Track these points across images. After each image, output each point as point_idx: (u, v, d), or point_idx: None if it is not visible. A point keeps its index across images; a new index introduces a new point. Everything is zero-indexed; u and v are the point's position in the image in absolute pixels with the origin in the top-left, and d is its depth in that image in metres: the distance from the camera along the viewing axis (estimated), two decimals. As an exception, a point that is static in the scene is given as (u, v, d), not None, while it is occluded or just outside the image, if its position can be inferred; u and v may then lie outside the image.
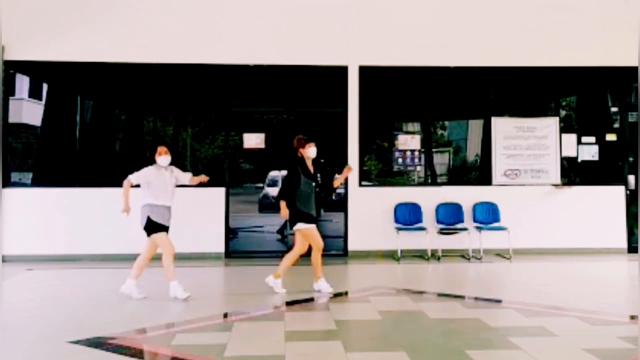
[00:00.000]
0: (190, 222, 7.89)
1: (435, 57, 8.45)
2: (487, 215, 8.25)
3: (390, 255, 8.07)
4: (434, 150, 8.94)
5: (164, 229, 5.66)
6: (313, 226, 5.90)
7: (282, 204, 5.87)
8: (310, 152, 5.97)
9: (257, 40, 8.29)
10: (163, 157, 5.66)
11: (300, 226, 5.84)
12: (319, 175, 6.08)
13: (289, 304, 5.40)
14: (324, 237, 9.06)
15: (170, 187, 5.70)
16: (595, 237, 8.41)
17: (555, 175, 8.56)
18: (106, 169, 8.38)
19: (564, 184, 8.59)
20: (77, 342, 4.14)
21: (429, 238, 7.96)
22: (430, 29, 8.48)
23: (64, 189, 8.06)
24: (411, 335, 4.40)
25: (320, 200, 6.17)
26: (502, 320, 4.90)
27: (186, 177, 5.88)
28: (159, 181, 5.60)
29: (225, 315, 5.09)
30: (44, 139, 8.62)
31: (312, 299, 5.61)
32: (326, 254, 8.46)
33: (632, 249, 8.41)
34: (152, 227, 5.56)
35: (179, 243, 7.88)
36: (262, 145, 8.34)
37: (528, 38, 8.53)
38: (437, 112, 9.07)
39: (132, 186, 5.60)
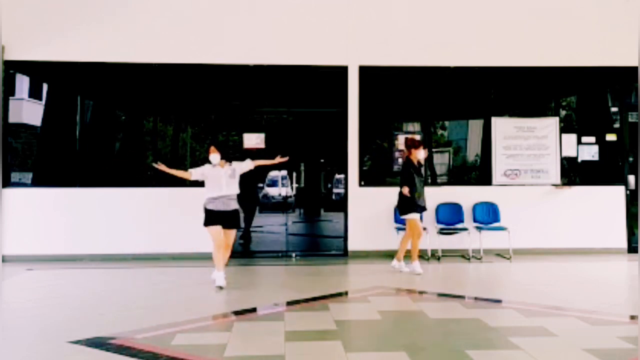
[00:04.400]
0: (191, 222, 7.88)
1: (435, 57, 8.46)
2: (487, 215, 8.25)
3: (391, 255, 8.06)
4: (434, 150, 8.94)
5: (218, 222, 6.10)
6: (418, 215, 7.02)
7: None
8: (419, 154, 7.03)
9: (257, 40, 8.30)
10: (212, 155, 6.19)
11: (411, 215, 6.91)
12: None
13: (289, 303, 5.40)
14: (324, 237, 9.13)
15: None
16: (595, 237, 8.41)
17: (555, 175, 8.56)
18: (106, 169, 8.37)
19: (564, 184, 8.59)
20: (77, 342, 4.14)
21: (429, 238, 7.96)
22: (430, 29, 8.48)
23: (63, 189, 8.07)
24: (411, 335, 4.40)
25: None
26: (502, 320, 4.89)
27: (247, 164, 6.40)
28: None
29: (225, 315, 5.09)
30: (44, 139, 8.62)
31: (313, 299, 5.59)
32: (326, 254, 8.51)
33: (632, 249, 8.42)
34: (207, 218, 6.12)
35: (180, 243, 7.97)
36: (262, 145, 8.34)
37: (528, 38, 8.53)
38: (437, 112, 9.07)
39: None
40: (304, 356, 3.85)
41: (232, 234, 6.26)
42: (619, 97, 8.95)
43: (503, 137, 8.59)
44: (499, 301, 5.74)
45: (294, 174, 8.68)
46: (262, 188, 9.20)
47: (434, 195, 8.29)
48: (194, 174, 6.25)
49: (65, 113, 8.56)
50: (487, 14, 8.56)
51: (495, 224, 8.17)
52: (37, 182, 8.31)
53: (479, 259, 7.89)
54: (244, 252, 8.50)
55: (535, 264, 7.67)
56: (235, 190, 6.21)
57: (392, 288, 6.12)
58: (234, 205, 6.18)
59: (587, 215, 8.43)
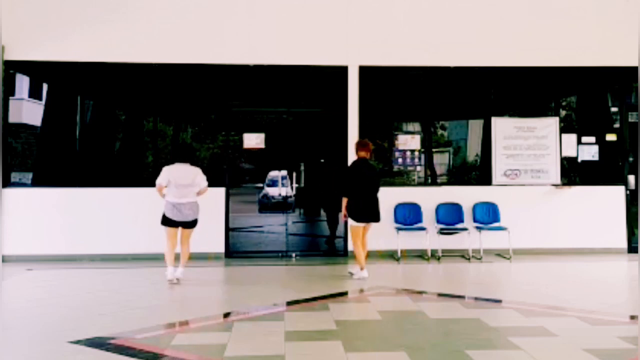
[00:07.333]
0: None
1: (435, 57, 8.46)
2: (487, 215, 8.25)
3: (390, 255, 8.07)
4: (434, 150, 8.94)
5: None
6: None
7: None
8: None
9: (257, 40, 8.30)
10: None
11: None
12: None
13: (289, 304, 5.40)
14: (324, 237, 9.12)
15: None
16: (595, 237, 8.41)
17: (555, 175, 8.56)
18: (106, 169, 8.37)
19: (564, 184, 8.59)
20: (77, 342, 4.15)
21: (429, 238, 7.96)
22: (430, 29, 8.48)
23: (64, 189, 8.06)
24: (411, 335, 4.40)
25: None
26: (502, 320, 4.90)
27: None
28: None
29: (225, 315, 5.09)
30: (44, 139, 8.62)
31: (313, 299, 5.60)
32: (326, 254, 8.50)
33: (632, 249, 8.41)
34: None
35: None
36: (262, 145, 8.35)
37: (528, 38, 8.53)
38: (437, 112, 9.07)
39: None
40: (304, 356, 3.85)
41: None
42: (619, 97, 8.95)
43: (503, 137, 8.59)
44: (499, 301, 5.74)
45: (294, 174, 8.68)
46: (262, 188, 9.20)
47: (434, 195, 8.31)
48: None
49: (65, 113, 8.56)
50: (487, 14, 8.55)
51: (495, 224, 8.17)
52: (37, 182, 8.31)
53: (479, 259, 7.89)
54: (243, 253, 8.49)
55: (535, 264, 7.67)
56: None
57: (392, 288, 6.12)
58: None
59: (587, 215, 8.43)
